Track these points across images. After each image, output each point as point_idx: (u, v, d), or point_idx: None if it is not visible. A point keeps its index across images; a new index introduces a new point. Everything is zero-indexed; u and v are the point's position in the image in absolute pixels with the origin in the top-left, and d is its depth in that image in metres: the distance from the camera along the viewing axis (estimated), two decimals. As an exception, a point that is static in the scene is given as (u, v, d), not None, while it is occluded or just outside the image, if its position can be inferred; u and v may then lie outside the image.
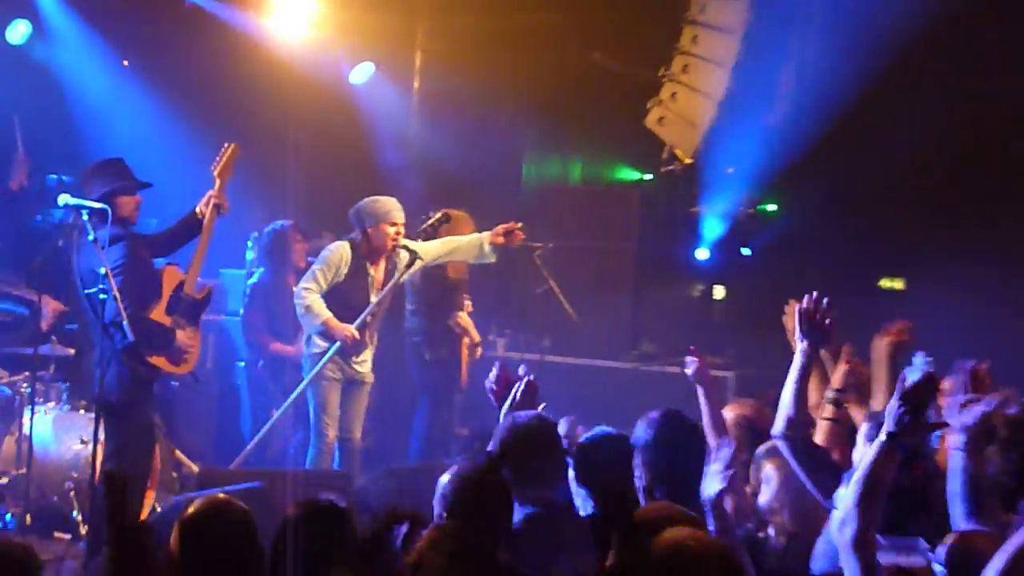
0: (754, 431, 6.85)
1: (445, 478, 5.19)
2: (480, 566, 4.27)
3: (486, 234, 10.80)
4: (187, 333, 9.62)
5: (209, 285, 10.42)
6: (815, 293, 6.36)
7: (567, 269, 12.62)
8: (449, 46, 14.38)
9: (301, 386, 10.69)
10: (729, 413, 7.28)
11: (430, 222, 11.33)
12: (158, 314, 9.42)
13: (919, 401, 4.76)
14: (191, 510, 4.51)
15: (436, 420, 11.57)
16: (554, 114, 15.98)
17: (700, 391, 7.06)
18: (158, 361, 9.45)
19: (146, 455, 9.59)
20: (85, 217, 9.33)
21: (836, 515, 4.76)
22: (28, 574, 4.17)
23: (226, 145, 10.15)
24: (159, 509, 9.82)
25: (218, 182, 9.99)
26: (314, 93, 13.72)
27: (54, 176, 9.98)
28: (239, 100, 13.48)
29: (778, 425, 6.04)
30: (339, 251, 10.71)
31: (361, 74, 14.06)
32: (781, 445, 5.98)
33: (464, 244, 11.06)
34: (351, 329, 10.45)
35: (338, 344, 10.51)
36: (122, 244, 9.39)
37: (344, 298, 10.62)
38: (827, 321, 6.23)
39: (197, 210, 9.93)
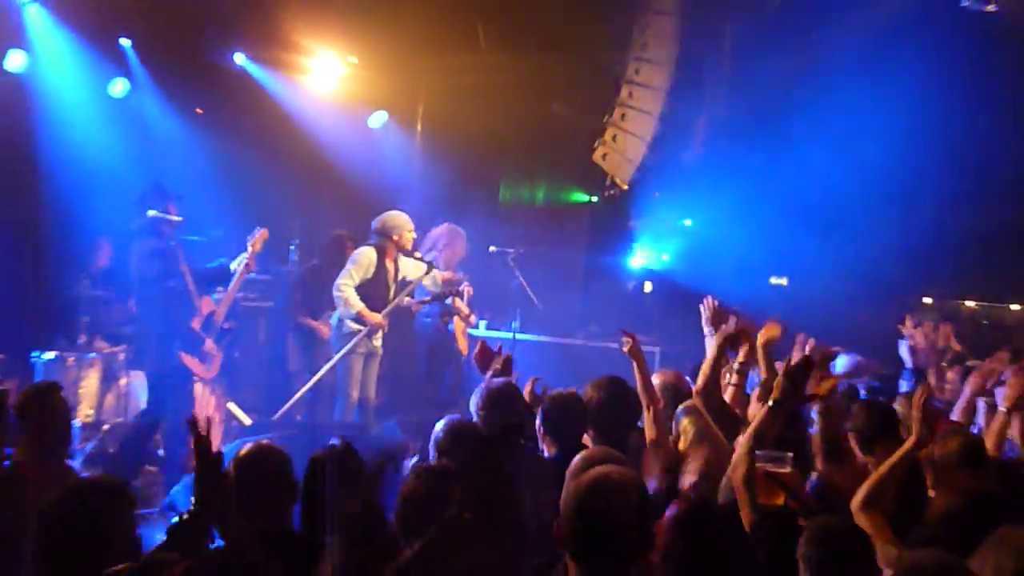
0: (676, 393, 6.85)
1: (439, 426, 5.48)
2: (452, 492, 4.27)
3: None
4: (212, 345, 9.92)
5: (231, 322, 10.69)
6: (711, 298, 6.88)
7: (532, 269, 12.78)
8: (444, 100, 14.48)
9: (338, 356, 10.71)
10: (656, 379, 7.13)
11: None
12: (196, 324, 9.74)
13: (798, 378, 5.23)
14: (243, 452, 4.74)
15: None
16: (524, 150, 16.07)
17: (634, 363, 6.82)
18: (190, 362, 9.70)
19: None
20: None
21: (733, 458, 5.21)
22: (123, 499, 4.03)
23: (261, 229, 10.18)
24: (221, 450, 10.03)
25: (251, 250, 10.03)
26: (341, 133, 13.87)
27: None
28: (284, 138, 13.60)
29: (698, 388, 6.48)
30: (368, 254, 10.84)
31: (377, 120, 14.24)
32: (699, 403, 6.39)
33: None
34: (379, 317, 10.75)
35: (368, 328, 10.79)
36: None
37: (369, 290, 10.73)
38: (727, 318, 6.71)
39: (232, 266, 10.07)
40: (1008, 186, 18.34)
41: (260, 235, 10.17)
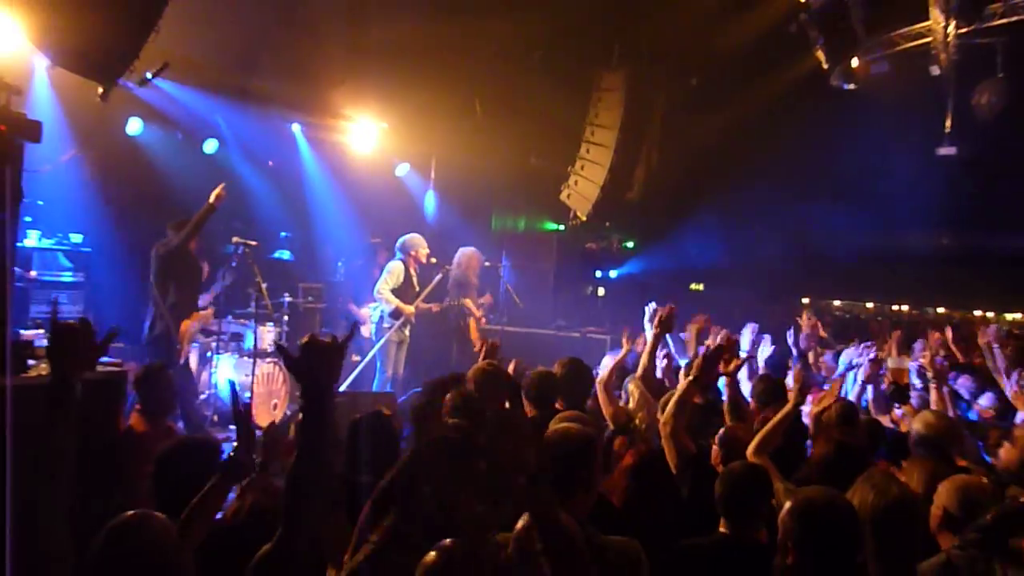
0: (623, 371, 6.88)
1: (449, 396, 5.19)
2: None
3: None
4: None
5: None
6: (654, 303, 6.89)
7: (516, 278, 12.91)
8: (451, 154, 14.46)
9: (379, 343, 10.86)
10: (608, 360, 7.23)
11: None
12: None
13: (712, 360, 5.27)
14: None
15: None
16: (509, 191, 16.19)
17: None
18: None
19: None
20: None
21: (662, 418, 5.22)
22: (214, 452, 4.00)
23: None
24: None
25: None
26: (376, 179, 13.94)
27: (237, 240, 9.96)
28: (333, 182, 13.67)
29: (639, 372, 6.53)
30: (398, 266, 10.98)
31: (402, 170, 14.25)
32: (639, 381, 6.45)
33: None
34: (411, 308, 10.86)
35: (402, 320, 10.86)
36: None
37: (398, 293, 10.87)
38: (665, 318, 6.72)
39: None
40: (868, 219, 18.46)
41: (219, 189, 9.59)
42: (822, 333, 10.66)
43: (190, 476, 3.53)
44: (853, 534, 3.08)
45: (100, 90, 6.76)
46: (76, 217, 10.36)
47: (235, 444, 3.57)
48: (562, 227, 16.19)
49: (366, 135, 13.00)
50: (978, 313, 21.39)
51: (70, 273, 9.13)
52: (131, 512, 2.80)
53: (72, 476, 2.71)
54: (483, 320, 11.86)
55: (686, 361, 7.70)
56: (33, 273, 8.78)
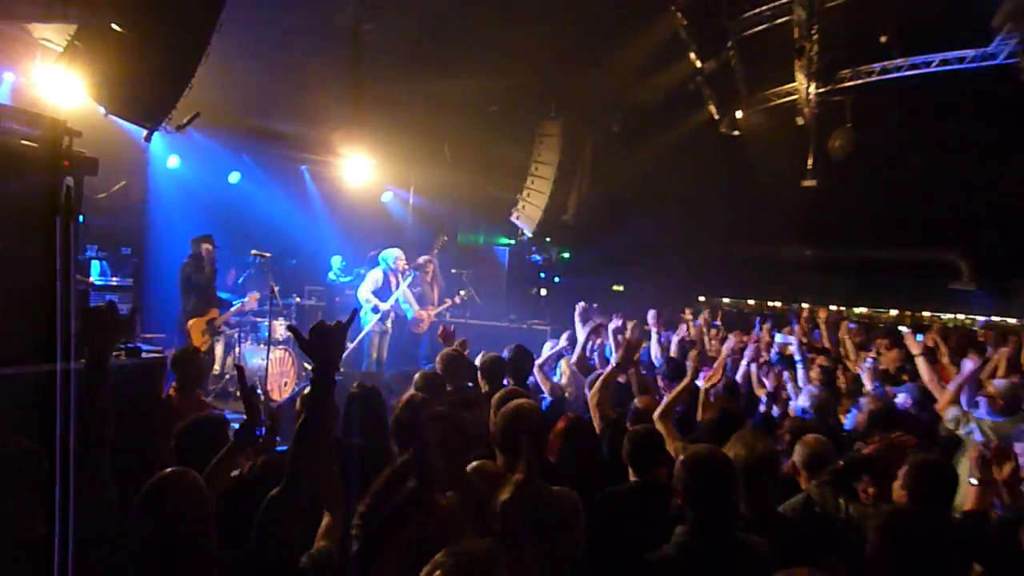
0: (557, 355, 6.98)
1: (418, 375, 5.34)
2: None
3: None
4: None
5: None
6: (582, 303, 6.90)
7: (477, 283, 12.86)
8: (426, 184, 14.51)
9: (362, 335, 10.74)
10: (548, 346, 7.36)
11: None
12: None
13: (632, 349, 5.31)
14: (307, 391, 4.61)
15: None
16: (472, 213, 16.06)
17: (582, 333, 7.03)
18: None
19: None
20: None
21: (591, 391, 5.25)
22: (223, 428, 3.94)
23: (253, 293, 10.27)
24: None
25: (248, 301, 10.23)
26: (366, 206, 13.86)
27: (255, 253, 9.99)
28: (334, 207, 13.60)
29: (575, 356, 6.55)
30: (376, 273, 10.91)
31: (386, 197, 14.29)
32: (574, 361, 6.48)
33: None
34: (386, 306, 10.73)
35: (381, 314, 10.74)
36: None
37: (378, 295, 10.82)
38: (591, 316, 6.75)
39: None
40: (749, 235, 18.64)
41: (252, 297, 10.19)
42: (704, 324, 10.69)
43: (202, 445, 3.59)
44: (728, 480, 3.10)
45: (144, 133, 6.68)
46: (126, 232, 10.24)
47: (244, 418, 3.58)
48: (513, 242, 16.17)
49: (358, 169, 12.94)
50: (833, 308, 21.62)
51: (119, 278, 9.00)
52: (171, 468, 2.79)
53: (112, 431, 2.75)
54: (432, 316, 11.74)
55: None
56: (91, 279, 8.64)
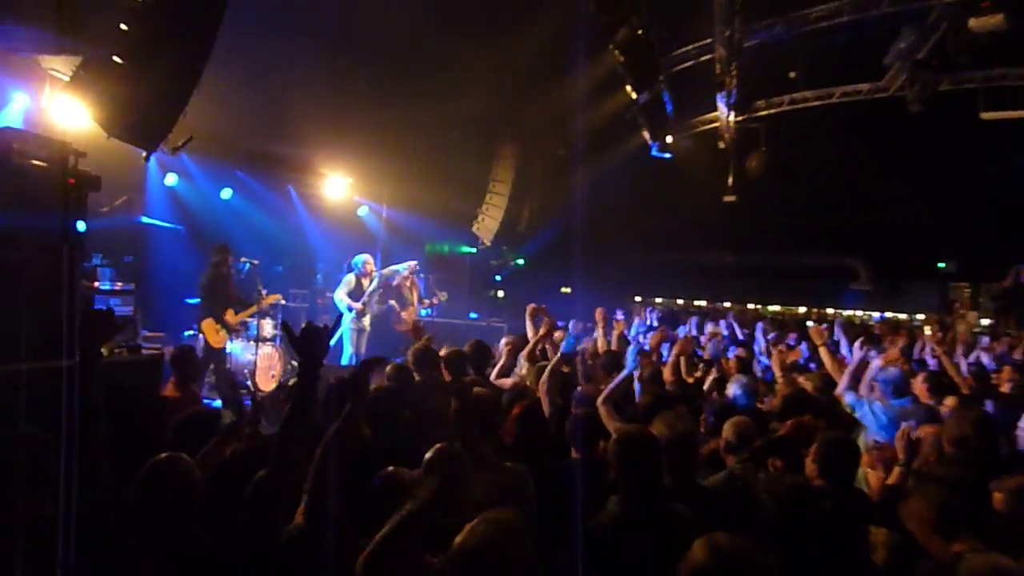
0: (516, 348, 6.64)
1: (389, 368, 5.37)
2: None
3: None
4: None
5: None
6: (533, 304, 6.87)
7: (442, 285, 12.82)
8: (396, 200, 14.36)
9: (339, 332, 10.47)
10: (506, 339, 7.29)
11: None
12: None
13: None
14: (291, 383, 4.52)
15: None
16: (437, 225, 15.89)
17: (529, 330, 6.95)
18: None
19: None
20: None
21: (541, 380, 5.24)
22: (215, 421, 3.86)
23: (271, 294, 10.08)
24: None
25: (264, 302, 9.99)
26: (344, 219, 13.74)
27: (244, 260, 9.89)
28: (317, 219, 13.47)
29: (525, 354, 6.50)
30: (350, 277, 10.65)
31: (362, 211, 14.16)
32: (525, 354, 6.44)
33: None
34: (359, 306, 10.58)
35: (354, 313, 10.61)
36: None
37: (353, 296, 10.63)
38: (541, 315, 6.72)
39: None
40: (679, 243, 18.79)
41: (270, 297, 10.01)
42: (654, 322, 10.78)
43: (196, 436, 3.57)
44: (654, 456, 3.10)
45: (144, 154, 6.56)
46: (128, 241, 10.06)
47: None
48: (474, 250, 16.16)
49: (337, 186, 12.83)
50: (751, 306, 21.90)
51: (123, 283, 8.84)
52: (166, 454, 2.77)
53: (104, 419, 2.69)
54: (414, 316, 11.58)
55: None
56: (96, 284, 8.47)
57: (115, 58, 5.88)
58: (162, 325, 9.84)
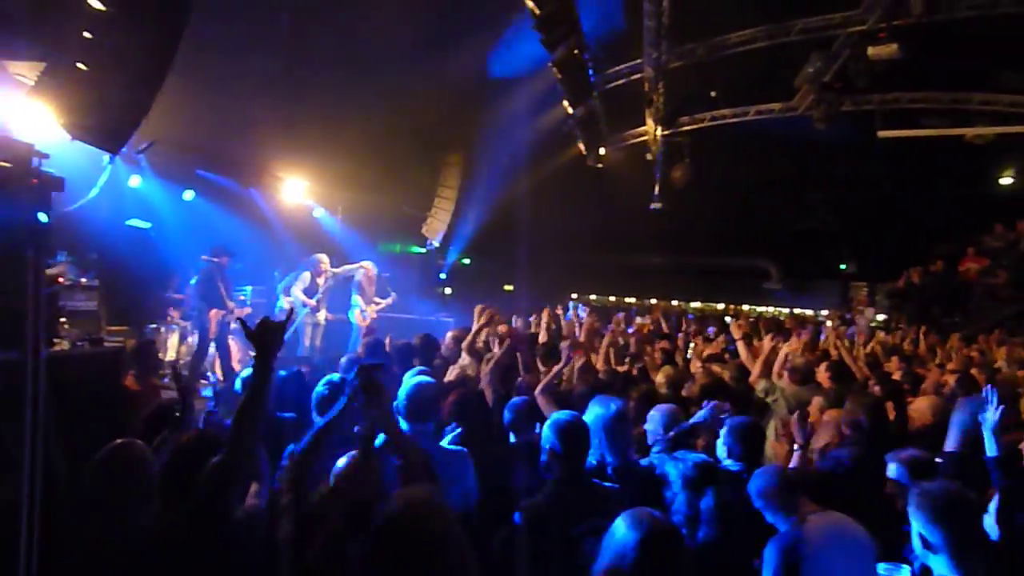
0: (458, 340, 6.68)
1: (343, 359, 5.44)
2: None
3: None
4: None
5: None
6: (481, 305, 6.80)
7: (394, 283, 12.62)
8: (351, 203, 14.22)
9: (294, 325, 10.41)
10: (451, 334, 7.22)
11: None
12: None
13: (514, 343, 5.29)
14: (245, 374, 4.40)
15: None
16: (390, 227, 15.81)
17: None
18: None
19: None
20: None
21: (484, 370, 5.22)
22: (172, 411, 3.70)
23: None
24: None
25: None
26: (300, 222, 13.50)
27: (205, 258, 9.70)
28: (273, 223, 13.18)
29: (465, 342, 6.46)
30: (305, 275, 10.47)
31: (319, 213, 13.91)
32: (465, 346, 6.40)
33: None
34: (312, 302, 10.37)
35: (309, 309, 10.39)
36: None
37: (308, 292, 10.44)
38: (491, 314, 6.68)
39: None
40: (611, 244, 18.93)
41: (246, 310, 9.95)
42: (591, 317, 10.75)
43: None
44: (585, 440, 3.11)
45: (106, 157, 6.34)
46: (94, 239, 9.71)
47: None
48: (424, 250, 16.06)
49: (294, 189, 12.59)
50: (675, 303, 22.21)
51: (87, 278, 8.52)
52: (121, 440, 2.70)
53: (52, 411, 2.64)
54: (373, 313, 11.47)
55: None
56: (61, 279, 8.15)
57: (79, 65, 5.67)
58: (125, 320, 9.55)
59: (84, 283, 8.48)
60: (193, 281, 9.69)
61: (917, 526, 2.45)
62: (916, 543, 2.47)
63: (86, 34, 5.53)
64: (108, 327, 8.49)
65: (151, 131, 7.18)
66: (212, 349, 9.61)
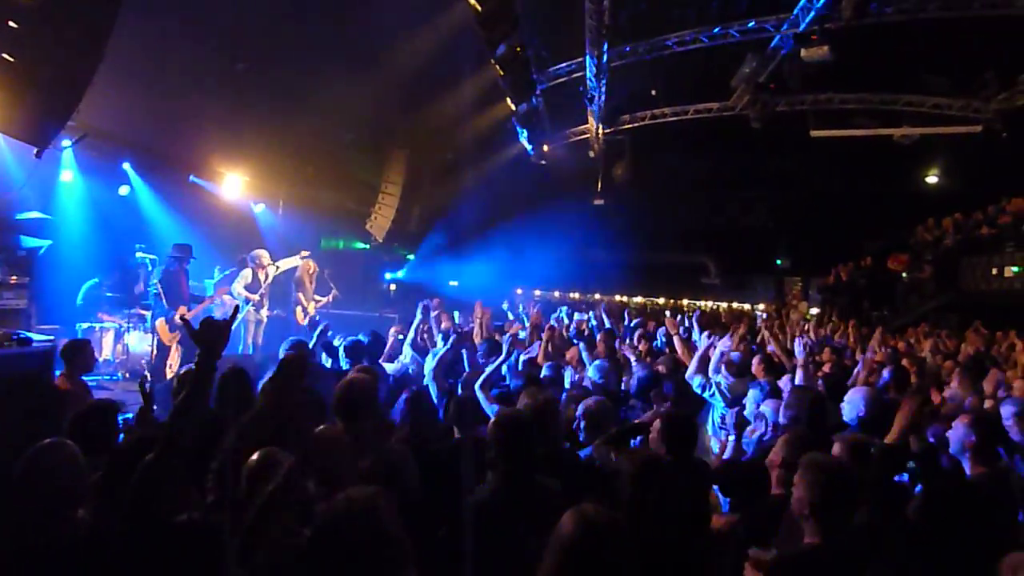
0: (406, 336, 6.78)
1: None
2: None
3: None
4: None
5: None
6: (425, 300, 6.75)
7: (337, 280, 12.43)
8: (293, 197, 13.93)
9: (237, 320, 10.09)
10: (394, 328, 7.17)
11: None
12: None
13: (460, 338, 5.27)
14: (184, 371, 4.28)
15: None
16: (333, 223, 15.57)
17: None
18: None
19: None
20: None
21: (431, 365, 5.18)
22: (114, 412, 3.62)
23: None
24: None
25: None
26: (239, 216, 13.20)
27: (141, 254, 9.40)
28: (213, 221, 12.79)
29: (408, 339, 6.37)
30: (247, 271, 10.13)
31: (259, 208, 13.58)
32: (408, 342, 6.33)
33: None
34: (255, 297, 10.16)
35: (251, 305, 10.18)
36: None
37: (250, 289, 10.21)
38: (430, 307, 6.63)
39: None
40: (563, 244, 19.03)
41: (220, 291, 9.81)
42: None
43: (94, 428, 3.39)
44: (527, 436, 3.09)
45: (35, 151, 6.10)
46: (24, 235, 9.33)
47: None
48: (368, 246, 15.90)
49: (234, 185, 12.28)
50: (618, 297, 22.47)
51: (17, 276, 8.16)
52: (49, 440, 2.61)
53: None
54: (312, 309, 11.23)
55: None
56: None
57: (4, 55, 5.44)
58: (56, 318, 9.21)
59: (14, 281, 8.15)
60: (155, 280, 9.33)
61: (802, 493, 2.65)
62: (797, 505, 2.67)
63: (11, 24, 5.31)
64: (39, 325, 8.18)
65: (83, 125, 6.92)
66: (147, 346, 9.33)
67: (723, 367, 5.70)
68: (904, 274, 15.70)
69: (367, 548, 1.91)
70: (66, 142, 7.21)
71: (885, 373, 5.63)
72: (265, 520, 2.16)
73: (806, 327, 10.18)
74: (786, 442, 3.35)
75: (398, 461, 3.27)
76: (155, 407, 3.93)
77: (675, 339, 6.43)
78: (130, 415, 4.23)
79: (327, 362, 5.98)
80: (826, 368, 6.69)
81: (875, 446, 3.47)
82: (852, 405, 4.23)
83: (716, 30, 12.88)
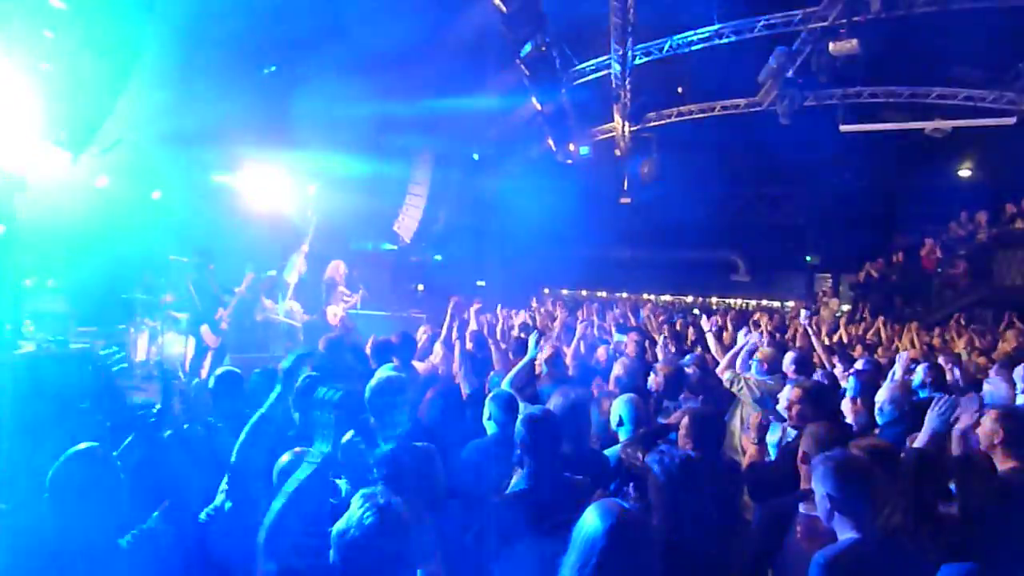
0: (434, 335, 6.76)
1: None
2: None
3: None
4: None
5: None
6: (455, 297, 6.76)
7: (368, 280, 12.41)
8: (323, 199, 13.97)
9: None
10: (422, 328, 7.20)
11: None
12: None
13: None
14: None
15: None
16: (363, 224, 15.55)
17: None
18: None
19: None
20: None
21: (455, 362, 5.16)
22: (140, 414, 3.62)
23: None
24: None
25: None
26: (274, 220, 13.16)
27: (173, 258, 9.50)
28: (246, 221, 12.82)
29: (439, 339, 6.38)
30: (293, 269, 10.22)
31: (292, 211, 13.50)
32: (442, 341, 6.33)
33: None
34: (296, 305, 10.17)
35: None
36: None
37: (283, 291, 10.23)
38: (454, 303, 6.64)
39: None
40: (584, 241, 18.95)
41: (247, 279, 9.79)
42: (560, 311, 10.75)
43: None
44: (556, 433, 3.09)
45: (71, 156, 6.21)
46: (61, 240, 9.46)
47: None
48: (396, 247, 15.94)
49: (268, 187, 12.21)
50: (646, 296, 22.31)
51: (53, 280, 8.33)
52: (85, 444, 2.57)
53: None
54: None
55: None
56: (27, 281, 7.95)
57: (42, 65, 5.54)
58: (94, 320, 9.38)
59: (51, 284, 8.32)
60: (187, 283, 9.39)
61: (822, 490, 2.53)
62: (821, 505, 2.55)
63: (47, 33, 5.41)
64: (78, 328, 8.32)
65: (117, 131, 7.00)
66: (181, 348, 9.43)
67: (756, 363, 5.66)
68: (938, 269, 15.37)
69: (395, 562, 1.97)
70: (101, 148, 7.28)
71: (921, 371, 5.51)
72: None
73: (838, 324, 10.04)
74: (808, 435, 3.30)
75: (426, 459, 3.26)
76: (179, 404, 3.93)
77: (709, 337, 6.36)
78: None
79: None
80: (858, 365, 6.55)
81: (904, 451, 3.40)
82: (887, 404, 4.17)
83: (741, 24, 12.74)
